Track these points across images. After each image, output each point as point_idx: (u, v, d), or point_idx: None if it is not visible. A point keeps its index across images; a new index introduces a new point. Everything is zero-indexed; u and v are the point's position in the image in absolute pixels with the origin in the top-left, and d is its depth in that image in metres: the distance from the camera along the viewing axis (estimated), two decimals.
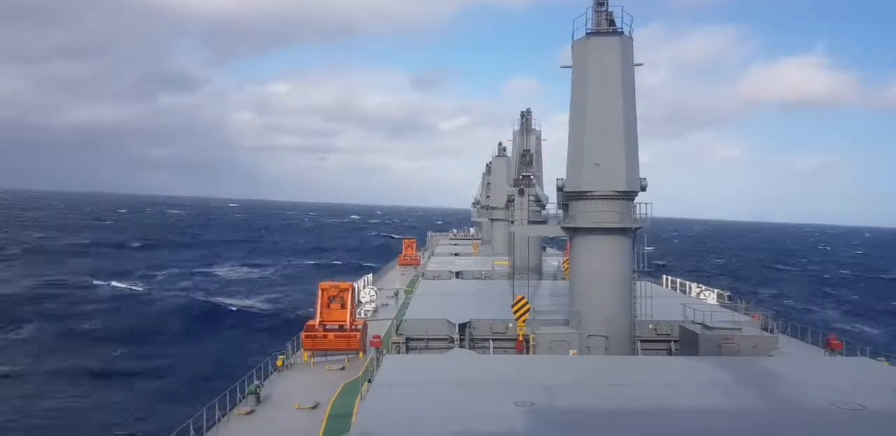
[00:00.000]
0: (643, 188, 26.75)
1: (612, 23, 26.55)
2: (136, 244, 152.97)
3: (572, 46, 27.12)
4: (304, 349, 34.23)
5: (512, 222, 33.05)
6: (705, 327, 26.50)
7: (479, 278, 54.19)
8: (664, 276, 54.05)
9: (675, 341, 28.76)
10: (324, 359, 33.74)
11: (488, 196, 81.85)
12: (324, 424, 23.80)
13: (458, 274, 57.12)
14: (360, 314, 43.01)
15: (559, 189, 28.27)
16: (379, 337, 31.94)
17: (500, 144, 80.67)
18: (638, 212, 26.98)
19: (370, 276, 64.19)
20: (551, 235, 34.89)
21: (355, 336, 33.88)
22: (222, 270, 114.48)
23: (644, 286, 29.00)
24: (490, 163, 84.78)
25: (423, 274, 61.45)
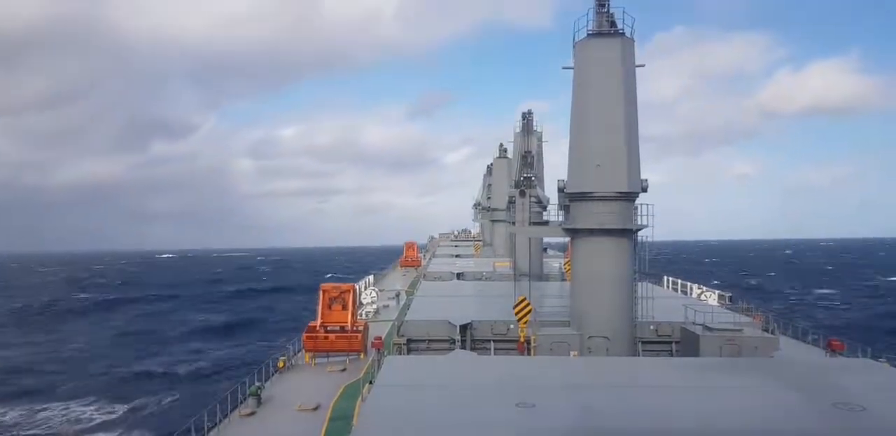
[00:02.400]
0: (644, 189, 26.75)
1: (613, 24, 26.61)
2: None
3: (573, 47, 27.18)
4: (306, 350, 34.24)
5: (513, 224, 33.05)
6: (706, 328, 26.47)
7: (480, 280, 54.23)
8: (665, 277, 54.02)
9: (677, 343, 28.71)
10: (325, 360, 33.73)
11: (489, 198, 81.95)
12: (325, 425, 23.78)
13: (459, 275, 57.19)
14: (361, 315, 43.03)
15: (560, 190, 28.29)
16: (380, 338, 31.92)
17: (500, 145, 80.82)
18: (639, 213, 27.00)
19: (371, 277, 64.23)
20: (552, 237, 34.87)
21: (356, 337, 33.88)
22: None
23: (645, 287, 29.00)
24: (491, 164, 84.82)
25: (424, 275, 61.53)
